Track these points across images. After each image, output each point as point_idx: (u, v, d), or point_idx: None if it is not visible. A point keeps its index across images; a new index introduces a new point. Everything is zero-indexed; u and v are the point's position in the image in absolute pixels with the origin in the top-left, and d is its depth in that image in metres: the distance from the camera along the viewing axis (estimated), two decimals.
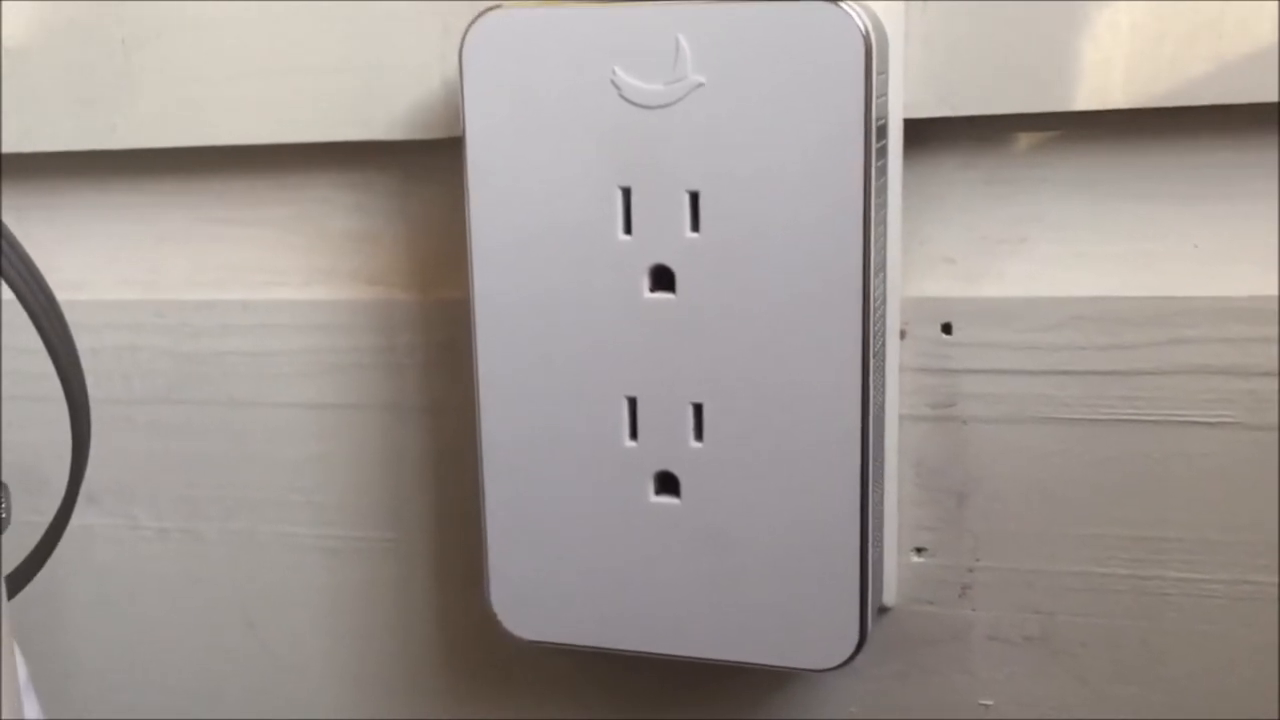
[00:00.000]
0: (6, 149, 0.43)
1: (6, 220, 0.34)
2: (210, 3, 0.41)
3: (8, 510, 0.32)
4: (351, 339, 0.43)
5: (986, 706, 0.41)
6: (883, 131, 0.35)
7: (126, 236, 0.45)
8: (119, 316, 0.45)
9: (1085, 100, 0.36)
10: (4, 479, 0.33)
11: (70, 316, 0.36)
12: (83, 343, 0.37)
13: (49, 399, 0.44)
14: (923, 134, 0.37)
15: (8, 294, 0.33)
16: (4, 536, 0.32)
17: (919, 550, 0.40)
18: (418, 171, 0.42)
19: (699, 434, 0.36)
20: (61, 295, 0.36)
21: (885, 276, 0.36)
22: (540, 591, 0.38)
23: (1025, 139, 0.37)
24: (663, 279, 0.36)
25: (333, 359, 0.43)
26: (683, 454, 0.36)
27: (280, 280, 0.44)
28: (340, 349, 0.43)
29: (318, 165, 0.43)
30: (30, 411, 0.46)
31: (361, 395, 0.44)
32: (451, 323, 0.42)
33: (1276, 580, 0.37)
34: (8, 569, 0.36)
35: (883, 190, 0.35)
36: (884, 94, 0.35)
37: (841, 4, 0.33)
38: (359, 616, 0.46)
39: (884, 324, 0.37)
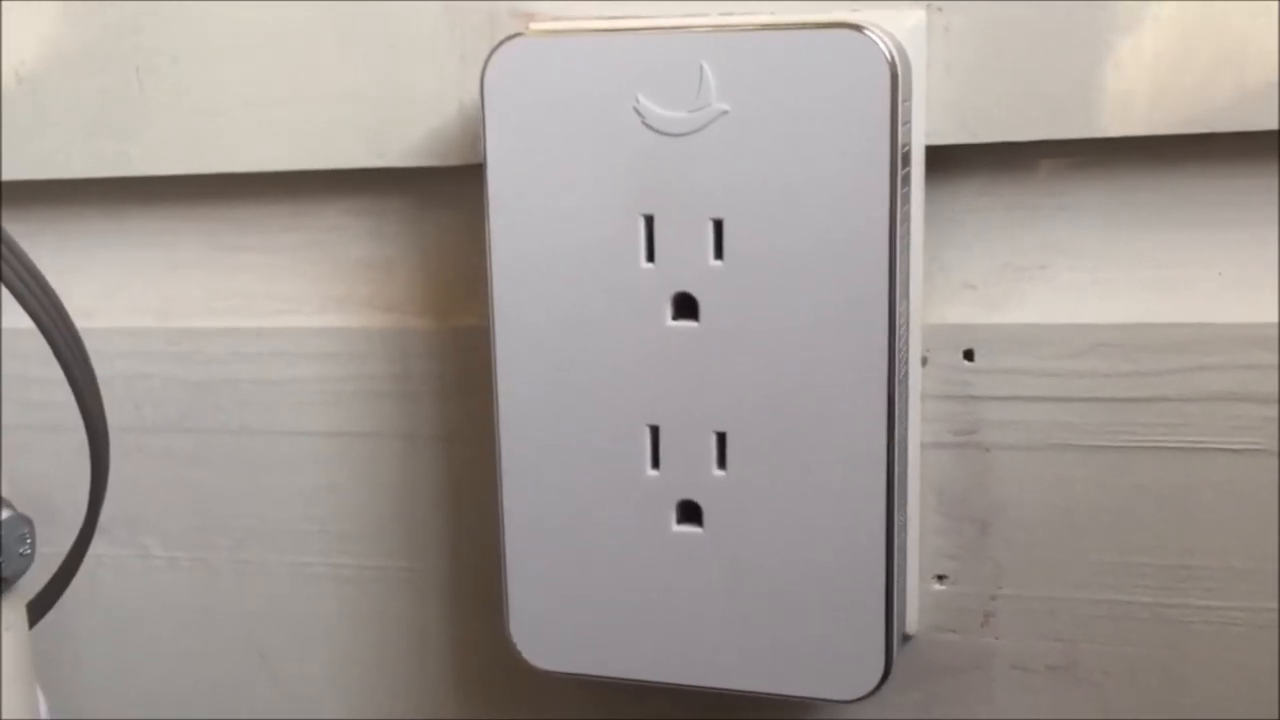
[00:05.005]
0: (21, 175, 0.43)
1: None
2: (225, 30, 0.41)
3: (32, 546, 0.31)
4: (366, 367, 0.43)
5: None
6: (907, 158, 0.35)
7: (139, 264, 0.45)
8: (131, 344, 0.45)
9: (1107, 127, 0.36)
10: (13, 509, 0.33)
11: None
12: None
13: (59, 428, 0.44)
14: (944, 160, 0.37)
15: (10, 321, 0.33)
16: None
17: (941, 578, 0.40)
18: (434, 199, 0.42)
19: (722, 463, 0.36)
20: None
21: (908, 303, 0.36)
22: (560, 622, 0.38)
23: (1046, 166, 0.37)
24: (685, 306, 0.35)
25: (347, 387, 0.43)
26: (706, 483, 0.36)
27: (294, 308, 0.44)
28: (355, 377, 0.43)
29: (333, 192, 0.43)
30: (41, 441, 0.45)
31: (376, 423, 0.43)
32: (467, 350, 0.42)
33: None
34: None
35: (907, 217, 0.35)
36: (908, 121, 0.35)
37: (866, 31, 0.33)
38: (372, 646, 0.45)
39: (907, 351, 0.36)
